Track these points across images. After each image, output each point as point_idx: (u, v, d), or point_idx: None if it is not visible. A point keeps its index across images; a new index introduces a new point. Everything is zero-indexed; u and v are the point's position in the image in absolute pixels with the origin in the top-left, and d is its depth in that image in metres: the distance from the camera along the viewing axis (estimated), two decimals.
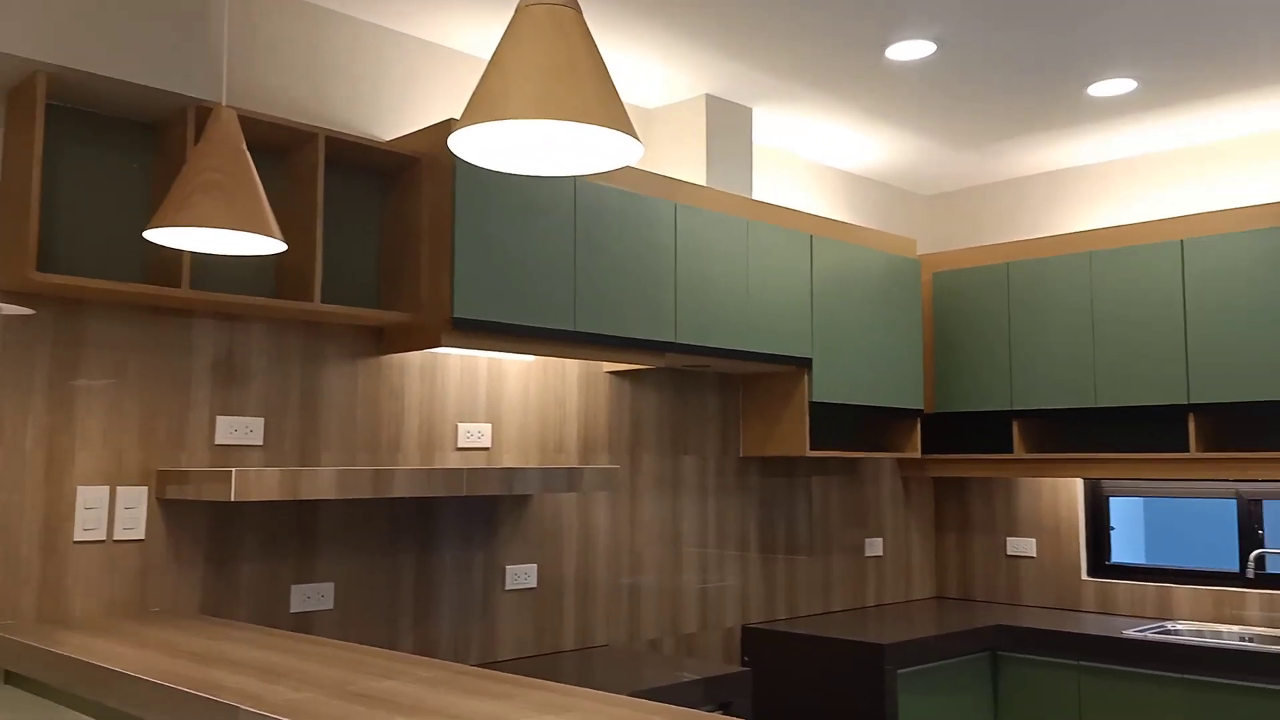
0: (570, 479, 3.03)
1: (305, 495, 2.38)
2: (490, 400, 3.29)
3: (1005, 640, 4.04)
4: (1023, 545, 4.62)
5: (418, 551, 3.04)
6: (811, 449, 4.06)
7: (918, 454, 4.37)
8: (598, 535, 3.53)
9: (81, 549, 2.44)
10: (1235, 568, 4.11)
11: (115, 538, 2.47)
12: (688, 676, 3.05)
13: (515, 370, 3.36)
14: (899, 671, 3.68)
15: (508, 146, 1.45)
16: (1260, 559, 4.05)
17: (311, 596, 2.79)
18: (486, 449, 3.26)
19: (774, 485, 4.18)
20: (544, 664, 3.17)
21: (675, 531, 3.79)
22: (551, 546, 3.39)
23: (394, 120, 3.17)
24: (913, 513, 4.80)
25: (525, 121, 1.35)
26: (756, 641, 3.95)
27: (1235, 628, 3.97)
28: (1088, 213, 4.61)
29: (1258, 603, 3.99)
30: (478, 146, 1.43)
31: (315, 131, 2.74)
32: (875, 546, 4.58)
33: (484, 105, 1.29)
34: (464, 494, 2.81)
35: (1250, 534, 4.09)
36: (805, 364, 3.86)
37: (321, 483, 2.40)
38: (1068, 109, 3.94)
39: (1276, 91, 3.74)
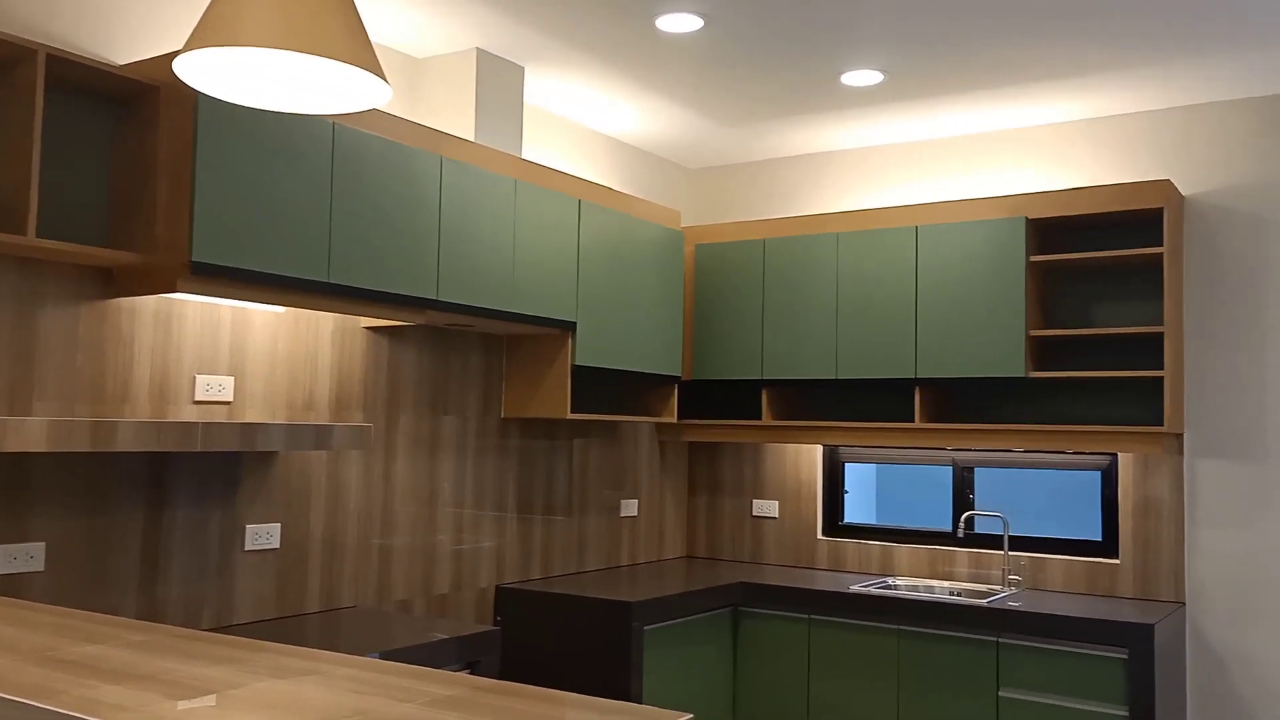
0: (319, 436, 2.92)
1: (11, 448, 2.17)
2: (234, 352, 3.11)
3: (746, 596, 4.27)
4: (767, 507, 4.88)
5: (146, 510, 2.85)
6: (572, 412, 4.11)
7: (674, 419, 4.52)
8: (348, 494, 3.43)
9: None
10: (949, 528, 4.52)
11: None
12: (435, 636, 3.03)
13: (263, 321, 3.20)
14: (646, 628, 3.81)
15: (244, 77, 1.36)
16: (969, 520, 4.47)
17: (19, 557, 2.55)
18: (228, 403, 3.09)
19: (534, 446, 4.21)
20: (285, 626, 3.05)
21: (431, 492, 3.74)
22: (297, 505, 3.27)
23: (131, 43, 2.92)
24: (667, 475, 4.96)
25: (261, 51, 1.27)
26: (510, 601, 3.97)
27: (946, 583, 4.37)
28: (840, 196, 4.89)
29: (966, 560, 4.40)
30: (210, 75, 1.33)
31: (35, 48, 2.48)
32: (630, 508, 4.70)
33: (214, 29, 1.20)
34: (198, 450, 2.65)
35: (963, 498, 4.50)
36: (569, 328, 3.89)
37: (30, 434, 2.20)
38: (823, 95, 4.15)
39: (1010, 93, 4.09)
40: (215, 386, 3.05)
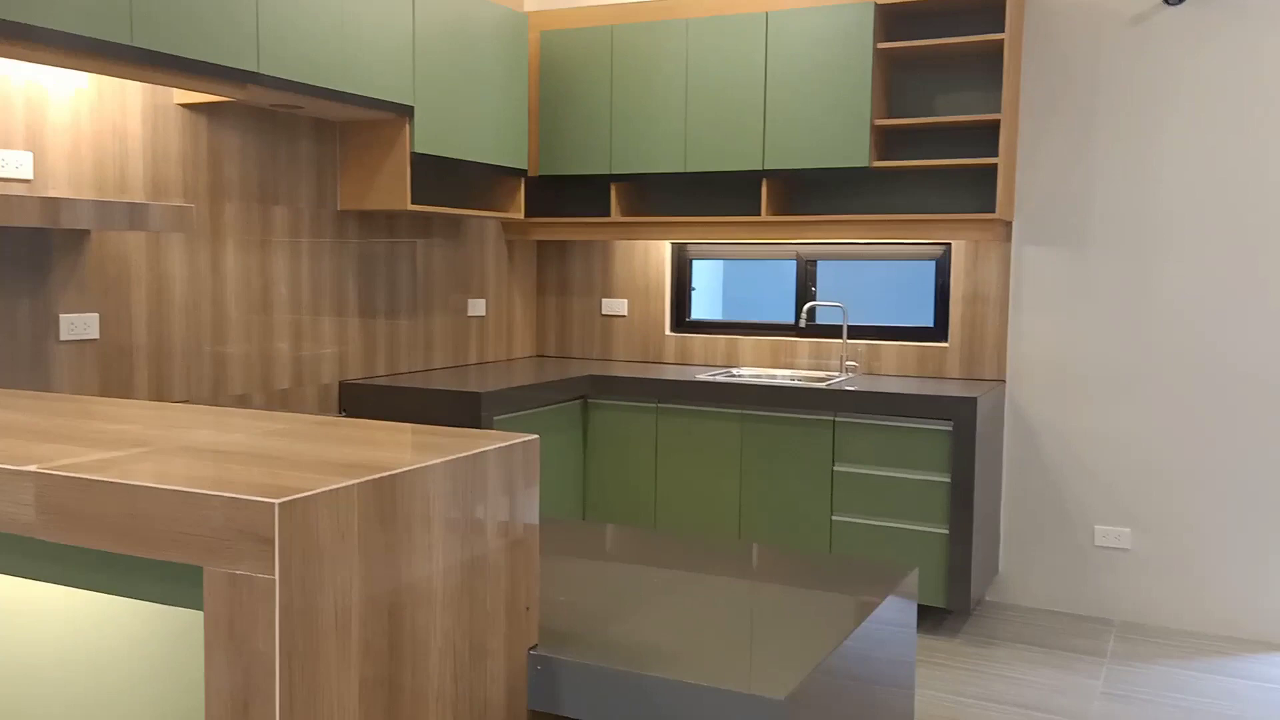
0: (133, 215, 2.71)
1: None
2: (30, 128, 2.83)
3: (594, 388, 4.32)
4: (616, 305, 4.90)
5: None
6: (413, 203, 3.96)
7: (521, 215, 4.42)
8: (173, 285, 3.24)
9: None
10: (792, 320, 4.65)
11: None
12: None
13: (62, 95, 2.90)
14: (495, 418, 3.82)
15: None
16: (811, 311, 4.60)
17: None
18: (27, 180, 2.82)
19: (374, 243, 4.05)
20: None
21: (265, 285, 3.57)
22: (117, 295, 3.07)
23: None
24: (515, 275, 4.90)
25: None
26: (355, 396, 3.90)
27: (787, 371, 4.53)
28: None
29: (807, 350, 4.56)
30: None
31: None
32: (478, 307, 4.64)
33: None
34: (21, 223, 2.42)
35: (805, 291, 4.62)
36: (406, 112, 3.70)
37: None
38: None
39: None
40: (11, 163, 2.78)
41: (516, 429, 3.93)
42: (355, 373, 3.99)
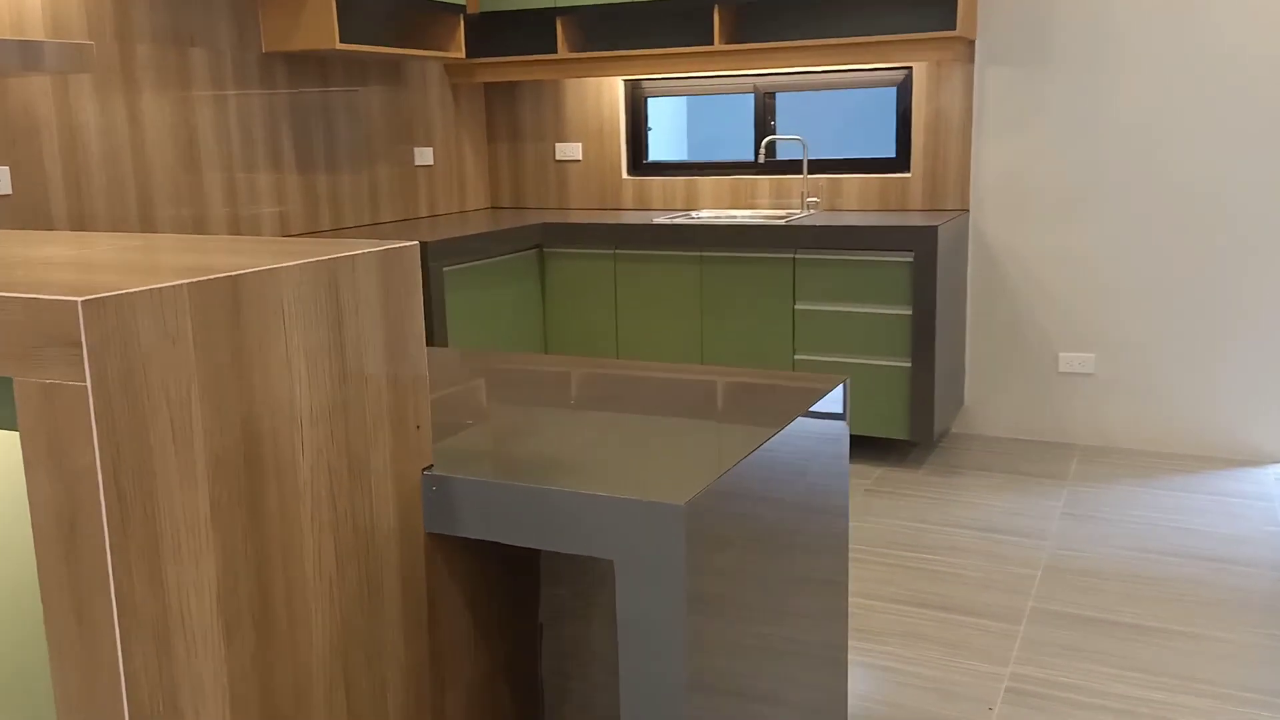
0: (26, 53, 2.51)
1: None
2: None
3: (549, 237, 4.19)
4: (570, 150, 4.72)
5: None
6: (342, 42, 3.74)
7: (462, 55, 4.20)
8: (88, 135, 3.06)
9: None
10: (752, 158, 4.49)
11: None
12: None
13: None
14: (445, 269, 3.70)
15: None
16: (770, 146, 4.44)
17: None
18: None
19: (307, 90, 3.84)
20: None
21: (188, 135, 3.39)
22: (27, 147, 2.89)
23: None
24: (463, 121, 4.69)
25: None
26: None
27: (748, 211, 4.40)
28: None
29: (768, 188, 4.42)
30: None
31: None
32: (425, 156, 4.46)
33: None
34: None
35: (764, 125, 4.45)
36: None
37: None
38: None
39: None
40: None
41: (468, 281, 3.82)
42: (298, 229, 3.85)
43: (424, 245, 3.57)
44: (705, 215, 4.36)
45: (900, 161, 4.22)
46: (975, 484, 3.66)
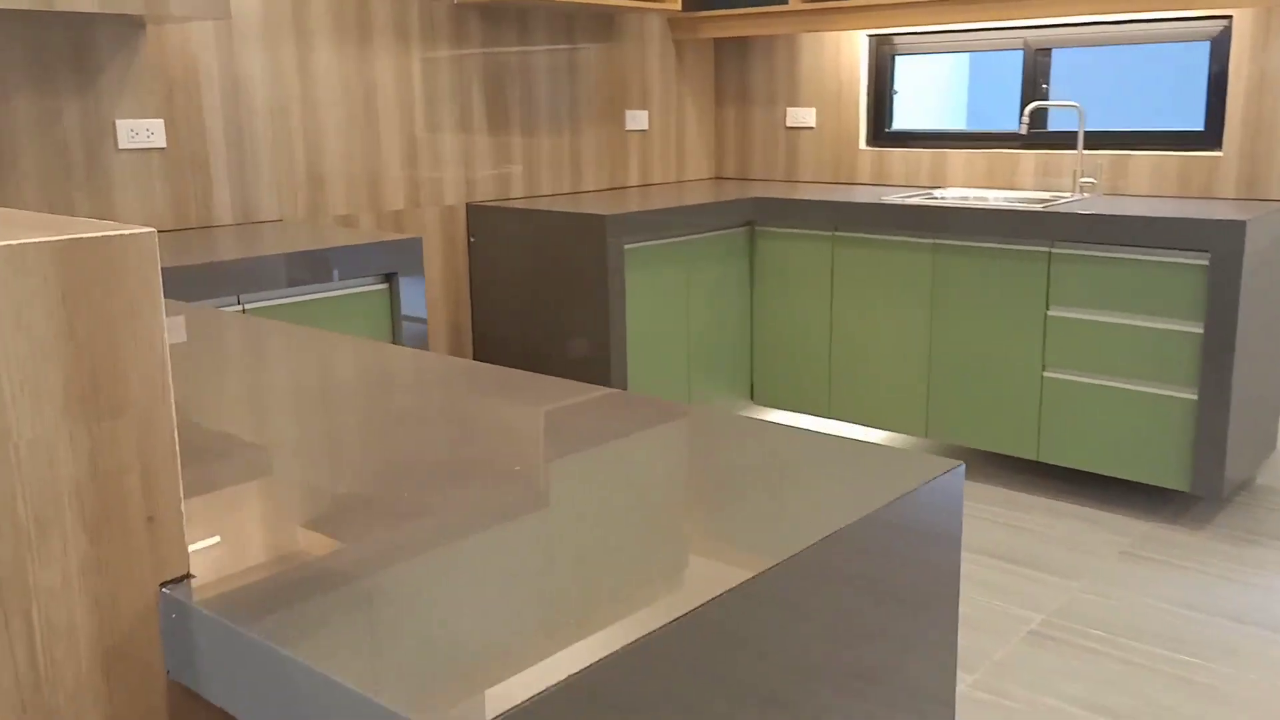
0: None
1: None
2: None
3: (762, 213, 3.68)
4: (803, 116, 4.16)
5: None
6: None
7: (678, 7, 3.75)
8: (253, 88, 2.92)
9: None
10: (1016, 128, 3.73)
11: None
12: (353, 241, 2.60)
13: None
14: (626, 246, 3.30)
15: None
16: (1039, 115, 3.66)
17: None
18: None
19: (504, 44, 3.55)
20: (187, 240, 2.66)
21: (367, 88, 3.19)
22: (184, 99, 2.78)
23: None
24: (687, 82, 4.25)
25: None
26: (484, 219, 3.51)
27: (1003, 192, 3.65)
28: None
29: (1032, 165, 3.65)
30: None
31: None
32: (639, 120, 4.07)
33: None
34: (24, 6, 2.14)
35: (1033, 88, 3.67)
36: None
37: None
38: None
39: None
40: None
41: (655, 261, 3.40)
42: (486, 195, 3.59)
43: (602, 219, 3.19)
44: (950, 195, 3.67)
45: (1209, 136, 3.32)
46: (1278, 561, 2.79)
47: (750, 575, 0.79)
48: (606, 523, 0.89)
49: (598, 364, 3.29)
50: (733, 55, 4.30)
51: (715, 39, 4.29)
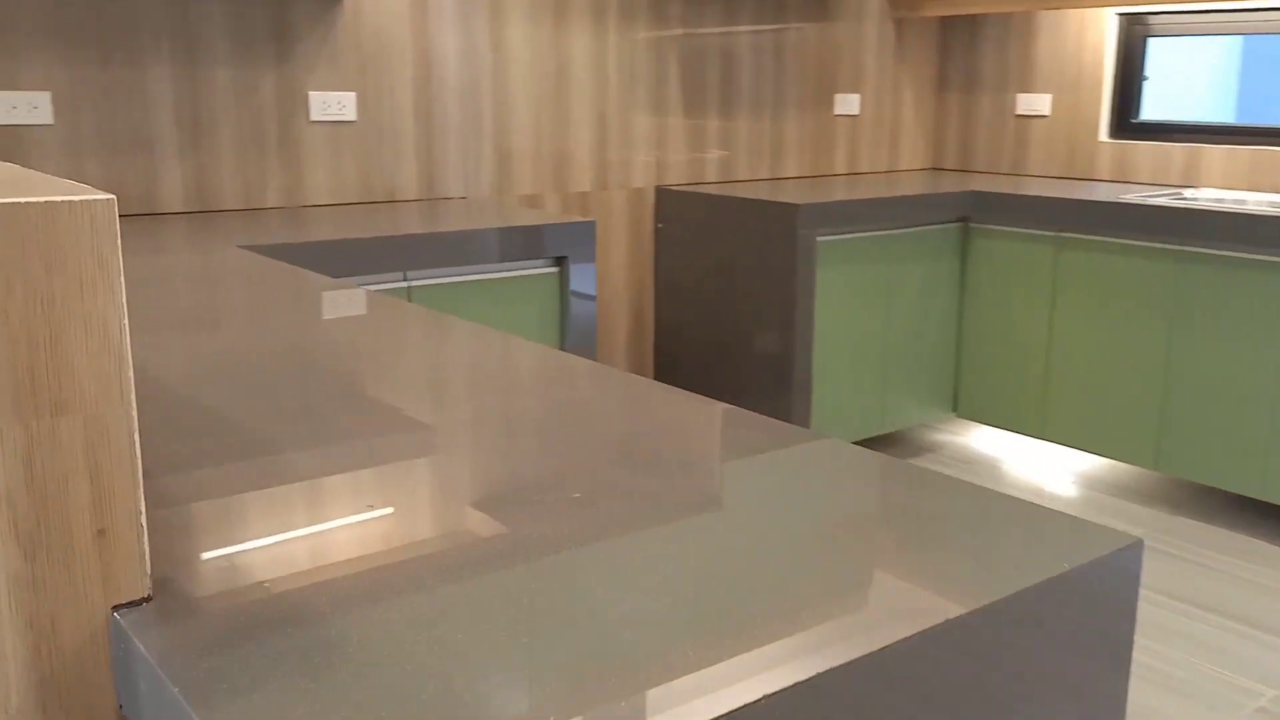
0: None
1: None
2: None
3: (979, 208, 3.34)
4: (1035, 103, 3.76)
5: (174, 65, 2.49)
6: None
7: None
8: (445, 64, 2.90)
9: None
10: None
11: None
12: (524, 222, 2.53)
13: None
14: (819, 239, 3.07)
15: None
16: None
17: (19, 106, 2.31)
18: None
19: (705, 24, 3.39)
20: (375, 213, 2.67)
21: (561, 66, 3.11)
22: (377, 72, 2.79)
23: None
24: (906, 64, 3.94)
25: None
26: (674, 203, 3.37)
27: (1268, 195, 3.15)
28: None
29: None
30: None
31: None
32: (849, 104, 3.80)
33: None
34: None
35: None
36: None
37: None
38: None
39: None
40: None
41: (852, 256, 3.15)
42: (677, 179, 3.44)
43: (793, 208, 2.97)
44: (1203, 196, 3.20)
45: None
46: None
47: (898, 639, 0.60)
48: (765, 553, 0.72)
49: (780, 363, 3.08)
50: (960, 35, 3.95)
51: (941, 17, 3.95)
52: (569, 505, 0.84)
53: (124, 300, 0.66)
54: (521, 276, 2.53)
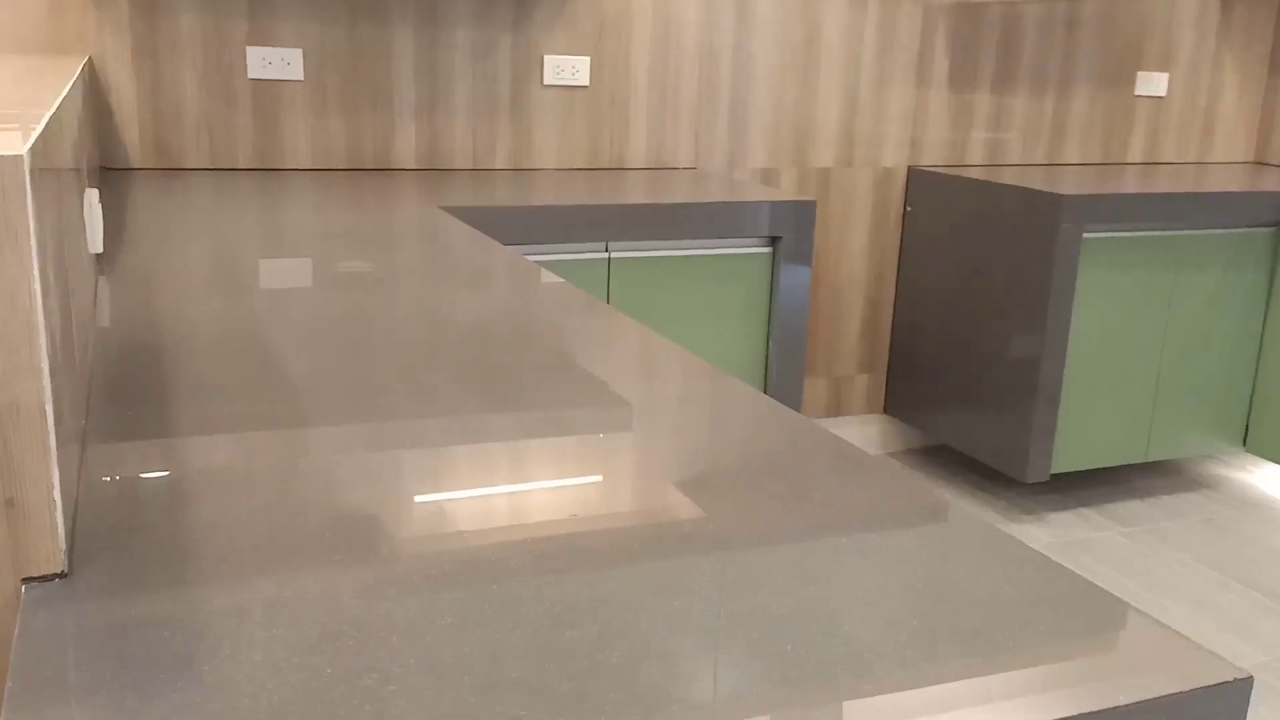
0: None
1: None
2: None
3: None
4: None
5: (416, 26, 2.56)
6: None
7: None
8: (685, 29, 2.80)
9: None
10: None
11: None
12: (731, 196, 2.41)
13: None
14: (1085, 235, 2.71)
15: None
16: None
17: (273, 62, 2.46)
18: None
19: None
20: (596, 179, 2.65)
21: (809, 34, 2.93)
22: (613, 37, 2.74)
23: None
24: (1230, 40, 3.39)
25: None
26: (926, 186, 3.10)
27: None
28: None
29: None
30: None
31: None
32: (1155, 84, 3.33)
33: None
34: None
35: None
36: None
37: None
38: None
39: None
40: None
41: (1125, 257, 2.76)
42: (933, 159, 3.16)
43: (1057, 199, 2.64)
44: None
45: None
46: None
47: None
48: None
49: (1026, 369, 2.76)
50: None
51: None
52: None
53: (36, 266, 0.62)
54: (730, 255, 2.40)
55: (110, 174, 2.32)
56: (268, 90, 2.47)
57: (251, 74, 2.44)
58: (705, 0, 2.80)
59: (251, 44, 2.43)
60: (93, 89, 2.31)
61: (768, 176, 2.98)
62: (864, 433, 3.28)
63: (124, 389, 0.99)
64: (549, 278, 1.53)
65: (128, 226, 1.76)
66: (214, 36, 2.39)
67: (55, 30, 2.27)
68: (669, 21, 2.78)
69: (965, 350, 2.97)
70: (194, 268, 1.48)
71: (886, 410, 3.28)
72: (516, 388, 1.05)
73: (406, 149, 2.61)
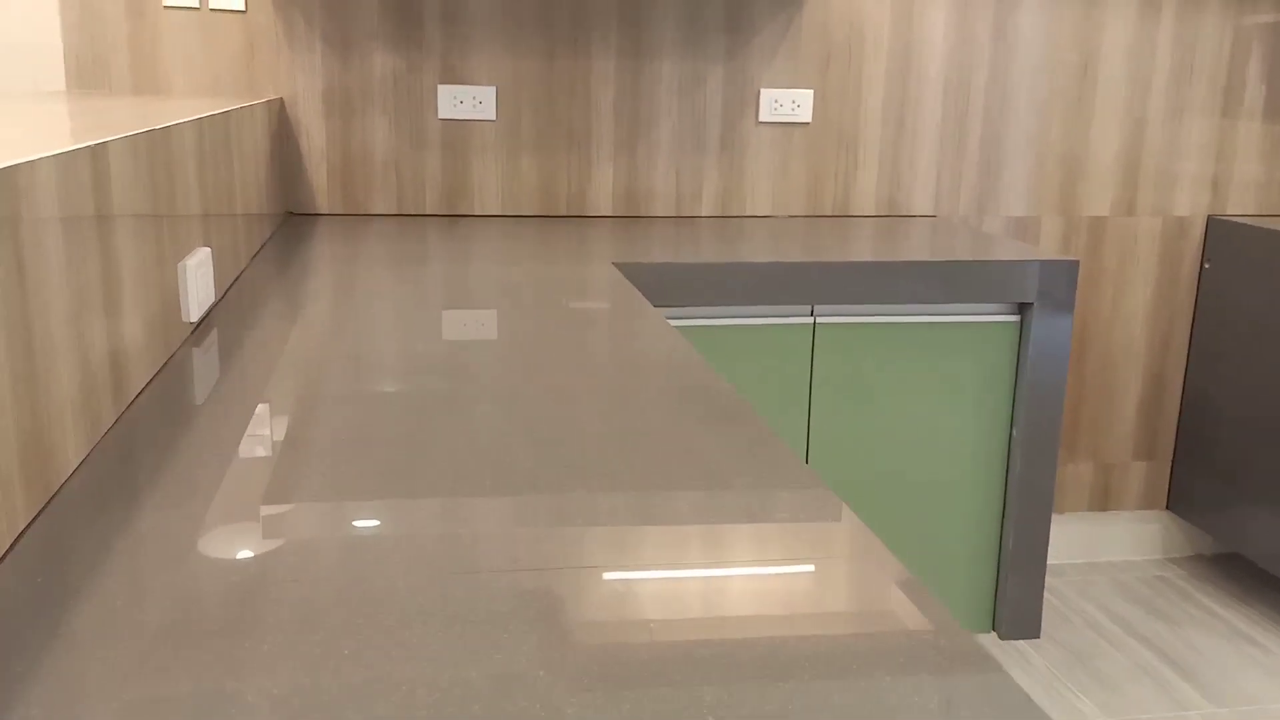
0: None
1: None
2: None
3: None
4: None
5: (618, 58, 2.32)
6: None
7: None
8: (928, 55, 2.41)
9: (172, 14, 2.21)
10: None
11: (210, 5, 2.19)
12: (971, 255, 2.00)
13: None
14: None
15: None
16: None
17: (465, 101, 2.29)
18: None
19: None
20: (819, 229, 2.31)
21: (1085, 57, 2.45)
22: (841, 66, 2.39)
23: None
24: None
25: None
26: (1226, 239, 2.52)
27: None
28: None
29: None
30: None
31: None
32: None
33: None
34: None
35: None
36: None
37: None
38: None
39: None
40: None
41: None
42: (1243, 205, 2.58)
43: None
44: None
45: None
46: None
47: None
48: None
49: None
50: None
51: None
52: None
53: None
54: (965, 324, 1.99)
55: (295, 219, 2.23)
56: (459, 130, 2.31)
57: (442, 114, 2.28)
58: (956, 21, 2.40)
59: (443, 83, 2.28)
60: (282, 131, 2.23)
61: (1025, 226, 2.52)
62: (1139, 533, 2.71)
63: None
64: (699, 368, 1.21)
65: (289, 282, 1.61)
66: (405, 76, 2.26)
67: (249, 72, 2.21)
68: (910, 46, 2.40)
69: (1274, 439, 2.37)
70: (328, 337, 1.28)
71: (1169, 506, 2.71)
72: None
73: (602, 193, 2.38)
